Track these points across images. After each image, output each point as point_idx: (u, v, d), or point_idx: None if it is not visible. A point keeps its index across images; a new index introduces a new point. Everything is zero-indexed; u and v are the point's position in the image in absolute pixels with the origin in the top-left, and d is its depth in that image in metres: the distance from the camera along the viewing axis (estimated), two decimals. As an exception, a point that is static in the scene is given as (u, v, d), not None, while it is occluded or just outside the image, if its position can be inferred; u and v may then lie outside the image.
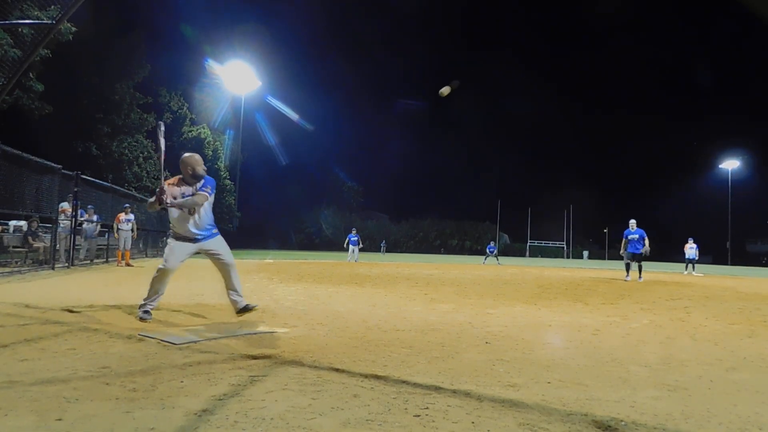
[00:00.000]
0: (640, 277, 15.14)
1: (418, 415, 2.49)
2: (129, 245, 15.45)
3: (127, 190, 21.40)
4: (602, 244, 78.17)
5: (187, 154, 5.33)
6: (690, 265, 22.50)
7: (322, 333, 4.80)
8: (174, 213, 5.17)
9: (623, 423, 2.50)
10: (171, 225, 5.29)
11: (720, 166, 63.61)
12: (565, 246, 75.03)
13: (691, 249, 22.61)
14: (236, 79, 38.45)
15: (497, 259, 32.25)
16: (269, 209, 67.08)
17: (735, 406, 2.86)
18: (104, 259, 16.45)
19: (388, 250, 51.77)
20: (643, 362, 3.96)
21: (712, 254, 69.29)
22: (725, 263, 59.45)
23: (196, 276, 8.49)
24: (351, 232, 25.67)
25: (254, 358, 3.64)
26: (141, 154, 34.08)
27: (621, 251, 15.88)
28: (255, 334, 4.60)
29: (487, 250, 32.52)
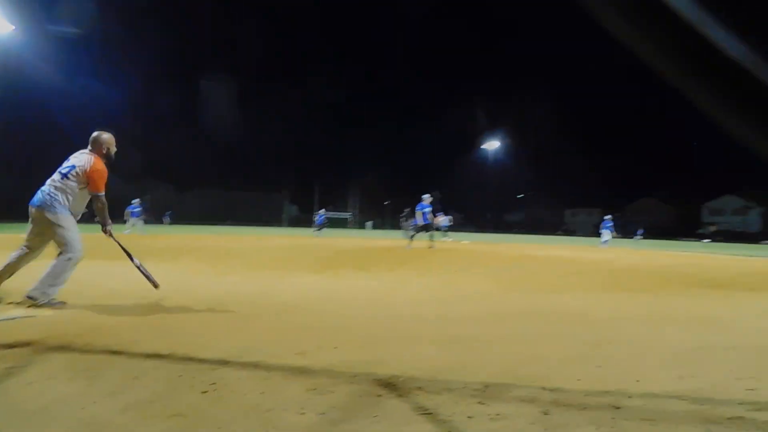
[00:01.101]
0: (433, 245, 16.53)
1: (206, 391, 2.43)
2: None
3: None
4: (385, 214, 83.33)
5: (105, 134, 5.03)
6: (444, 233, 25.70)
7: (95, 313, 4.36)
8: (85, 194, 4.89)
9: (402, 379, 2.73)
10: (72, 203, 4.78)
11: (483, 146, 71.19)
12: (350, 216, 78.40)
13: (442, 219, 25.92)
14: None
15: (320, 231, 31.67)
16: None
17: (492, 354, 3.32)
18: None
19: (173, 222, 48.51)
20: (420, 322, 4.37)
21: (476, 223, 78.51)
22: (487, 231, 67.67)
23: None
24: (132, 203, 23.27)
25: (10, 347, 3.15)
26: None
27: (409, 221, 17.40)
28: (11, 319, 4.00)
29: (317, 221, 32.13)
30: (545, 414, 2.27)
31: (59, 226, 4.63)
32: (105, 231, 5.17)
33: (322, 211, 33.65)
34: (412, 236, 17.11)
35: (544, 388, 2.62)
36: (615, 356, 3.37)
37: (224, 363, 2.93)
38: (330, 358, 3.13)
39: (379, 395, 2.46)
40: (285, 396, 2.40)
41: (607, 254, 16.31)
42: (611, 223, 24.98)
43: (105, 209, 5.01)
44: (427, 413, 2.24)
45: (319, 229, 31.51)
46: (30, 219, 4.72)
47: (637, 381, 2.80)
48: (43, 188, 4.74)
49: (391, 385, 2.61)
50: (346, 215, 78.33)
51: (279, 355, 3.16)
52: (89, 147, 4.96)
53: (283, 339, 3.60)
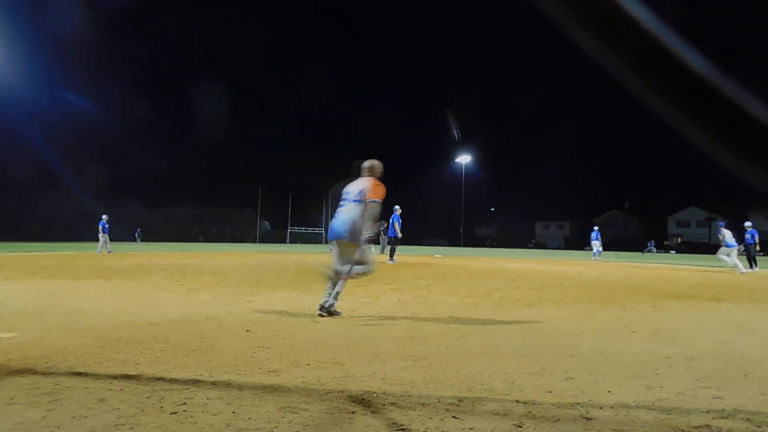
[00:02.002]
0: (390, 259, 16.84)
1: (175, 412, 2.37)
2: None
3: None
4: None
5: (376, 161, 6.05)
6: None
7: (60, 334, 4.24)
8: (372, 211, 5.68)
9: (375, 395, 2.72)
10: (364, 222, 5.57)
11: (456, 160, 71.54)
12: (323, 232, 77.94)
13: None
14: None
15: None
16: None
17: (464, 368, 3.33)
18: None
19: (144, 240, 47.53)
20: (392, 337, 4.36)
21: (448, 237, 79.08)
22: (458, 245, 68.10)
23: None
24: (102, 219, 22.62)
25: (-31, 371, 3.05)
26: None
27: (385, 234, 18.34)
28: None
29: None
30: (518, 427, 2.28)
31: (360, 248, 5.55)
32: (367, 238, 5.70)
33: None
34: (392, 251, 17.28)
35: (516, 401, 2.64)
36: (584, 368, 3.41)
37: (194, 383, 2.88)
38: (303, 375, 3.10)
39: (353, 412, 2.45)
40: (257, 415, 2.36)
41: (577, 267, 16.57)
42: (599, 234, 25.35)
43: (377, 215, 5.71)
44: (400, 429, 2.23)
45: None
46: (333, 245, 5.75)
47: (608, 392, 2.84)
48: (338, 220, 5.69)
49: (364, 402, 2.60)
50: (318, 230, 77.83)
51: (251, 373, 3.12)
52: (366, 173, 5.95)
53: (254, 357, 3.55)
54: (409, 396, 2.72)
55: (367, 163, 6.01)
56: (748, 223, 17.51)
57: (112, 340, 4.02)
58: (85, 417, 2.30)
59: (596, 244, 24.91)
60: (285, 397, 2.65)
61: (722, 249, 16.83)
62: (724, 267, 16.70)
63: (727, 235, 16.51)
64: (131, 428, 2.18)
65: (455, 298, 7.17)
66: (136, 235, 46.46)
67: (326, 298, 5.49)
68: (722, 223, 17.47)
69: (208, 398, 2.60)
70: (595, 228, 25.57)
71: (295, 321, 5.10)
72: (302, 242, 70.50)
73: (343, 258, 5.60)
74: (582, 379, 3.13)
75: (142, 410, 2.40)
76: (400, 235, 17.27)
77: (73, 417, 2.29)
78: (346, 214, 5.66)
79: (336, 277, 5.58)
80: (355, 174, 5.99)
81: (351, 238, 5.52)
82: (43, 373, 3.02)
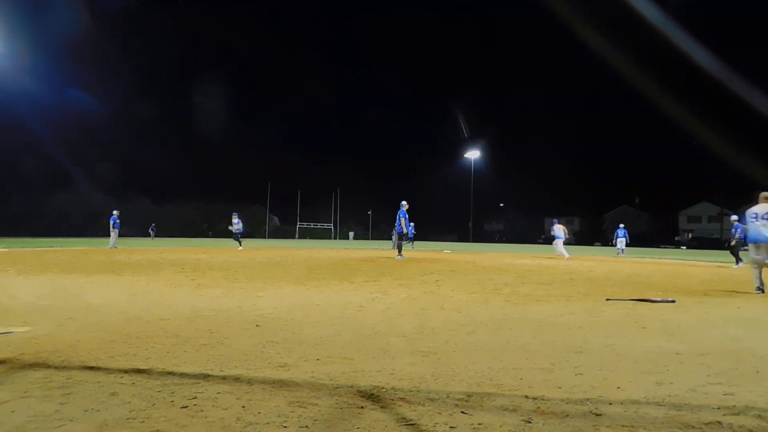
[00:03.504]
0: (399, 254, 16.87)
1: (186, 406, 2.39)
2: None
3: None
4: (366, 225, 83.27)
5: None
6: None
7: (72, 329, 4.28)
8: None
9: (384, 390, 2.72)
10: None
11: (465, 155, 71.27)
12: (332, 227, 78.02)
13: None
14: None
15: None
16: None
17: (473, 364, 3.33)
18: None
19: (157, 235, 47.65)
20: (401, 333, 4.36)
21: (457, 233, 79.01)
22: (467, 240, 67.97)
23: None
24: (113, 214, 22.70)
25: (-17, 364, 3.09)
26: None
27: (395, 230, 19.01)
28: (-17, 336, 3.91)
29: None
30: (528, 422, 2.28)
31: None
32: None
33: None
34: (400, 246, 17.29)
35: (526, 397, 2.63)
36: (594, 364, 3.40)
37: (204, 377, 2.90)
38: (312, 370, 3.11)
39: (362, 407, 2.45)
40: (267, 409, 2.38)
41: (587, 262, 16.50)
42: (625, 231, 25.23)
43: None
44: (409, 424, 2.24)
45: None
46: (754, 247, 7.98)
47: (618, 388, 2.83)
48: (759, 232, 7.80)
49: (373, 397, 2.60)
50: (327, 226, 77.91)
51: (260, 368, 3.14)
52: (763, 200, 7.82)
53: (264, 352, 3.57)
54: (418, 391, 2.72)
55: (764, 194, 7.93)
56: (734, 217, 16.33)
57: (124, 335, 4.05)
58: (97, 410, 2.32)
59: (621, 242, 24.88)
60: (294, 391, 2.66)
61: (555, 241, 20.64)
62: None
63: (557, 229, 20.60)
64: (142, 422, 2.20)
65: (464, 294, 7.16)
66: (151, 230, 46.61)
67: (758, 282, 7.81)
68: (556, 220, 21.69)
69: (218, 392, 2.61)
70: (621, 225, 25.50)
71: (304, 316, 5.11)
72: (311, 237, 70.57)
73: (765, 254, 7.81)
74: (591, 374, 3.12)
75: (153, 404, 2.42)
76: (405, 230, 17.23)
77: (86, 410, 2.32)
78: (762, 228, 7.74)
79: (762, 267, 7.83)
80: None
81: None
82: (56, 367, 3.06)
